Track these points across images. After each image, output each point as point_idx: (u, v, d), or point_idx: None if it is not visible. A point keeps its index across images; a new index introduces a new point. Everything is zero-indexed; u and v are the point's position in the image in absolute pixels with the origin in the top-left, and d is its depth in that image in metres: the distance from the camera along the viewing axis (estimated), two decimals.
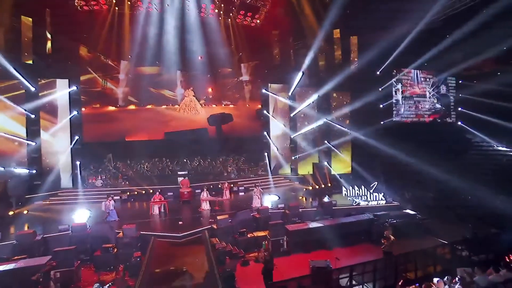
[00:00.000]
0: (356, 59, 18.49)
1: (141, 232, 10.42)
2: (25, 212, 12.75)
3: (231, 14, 18.80)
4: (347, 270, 7.73)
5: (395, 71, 19.87)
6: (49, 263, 8.08)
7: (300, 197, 15.29)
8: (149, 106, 18.45)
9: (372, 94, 17.69)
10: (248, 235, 10.88)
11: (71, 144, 15.87)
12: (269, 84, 19.42)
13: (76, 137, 16.10)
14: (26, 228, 11.12)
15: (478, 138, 19.97)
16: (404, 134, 17.46)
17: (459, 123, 21.39)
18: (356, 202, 13.16)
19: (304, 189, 16.32)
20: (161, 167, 18.64)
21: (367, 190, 13.12)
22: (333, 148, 18.48)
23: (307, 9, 16.97)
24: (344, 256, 10.30)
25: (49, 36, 15.45)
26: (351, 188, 13.28)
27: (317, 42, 16.95)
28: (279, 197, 14.04)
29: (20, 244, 9.63)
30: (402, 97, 20.46)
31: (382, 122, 18.94)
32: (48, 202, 14.33)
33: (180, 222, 11.83)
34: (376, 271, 7.89)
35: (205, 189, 14.20)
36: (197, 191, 15.27)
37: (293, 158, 19.16)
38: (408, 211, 12.43)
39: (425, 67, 20.12)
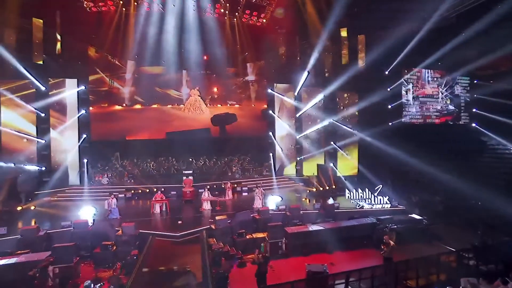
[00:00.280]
0: (363, 59, 18.02)
1: (140, 231, 10.51)
2: (32, 207, 13.13)
3: (236, 14, 18.77)
4: (344, 275, 7.52)
5: (406, 71, 19.28)
6: (46, 258, 8.24)
7: (303, 199, 15.06)
8: (154, 106, 18.67)
9: (380, 94, 17.20)
10: (247, 237, 10.77)
11: (79, 142, 16.24)
12: (275, 84, 19.26)
13: (84, 136, 16.50)
14: (33, 224, 11.44)
15: (493, 140, 19.08)
16: (413, 135, 16.94)
17: (474, 124, 20.50)
18: (360, 205, 12.81)
19: (308, 191, 16.06)
20: (167, 166, 18.81)
21: (371, 193, 12.74)
22: (339, 149, 18.11)
23: (313, 8, 16.69)
24: (345, 261, 10.10)
25: (58, 37, 15.87)
26: (354, 190, 12.92)
27: (323, 41, 16.66)
28: (282, 198, 13.87)
29: (24, 239, 9.91)
30: (412, 98, 19.83)
31: (390, 123, 18.41)
32: (55, 198, 14.73)
33: (179, 222, 11.87)
34: (375, 278, 7.62)
35: (206, 189, 14.21)
36: (200, 190, 15.30)
37: (298, 159, 18.93)
38: (414, 215, 11.99)
39: (437, 67, 19.42)
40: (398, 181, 15.32)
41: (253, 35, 19.00)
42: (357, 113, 18.43)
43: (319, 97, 17.64)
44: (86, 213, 11.89)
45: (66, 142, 16.20)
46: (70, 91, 16.10)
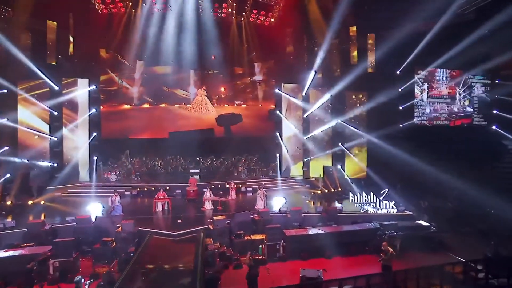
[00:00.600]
0: (373, 58, 17.39)
1: (139, 228, 10.66)
2: (42, 202, 13.66)
3: (244, 13, 18.69)
4: (337, 282, 7.24)
5: (420, 71, 18.42)
6: (44, 252, 8.51)
7: (307, 201, 14.75)
8: (162, 105, 18.96)
9: (391, 94, 16.55)
10: (245, 238, 10.66)
11: (89, 140, 16.77)
12: (283, 84, 19.02)
13: (94, 134, 16.99)
14: (42, 218, 11.90)
15: None
16: (425, 138, 16.25)
17: (494, 127, 19.31)
18: (364, 209, 12.36)
19: (313, 193, 15.72)
20: (174, 165, 19.03)
21: (376, 197, 12.24)
22: (346, 151, 17.60)
23: (321, 6, 16.32)
24: (343, 267, 9.78)
25: (71, 38, 16.46)
26: (359, 194, 12.47)
27: (332, 40, 16.24)
28: (286, 200, 13.62)
29: (30, 232, 10.34)
30: (427, 98, 18.95)
31: (401, 125, 17.68)
32: (66, 194, 15.25)
33: (179, 221, 11.94)
34: (370, 287, 7.29)
35: (208, 189, 14.22)
36: (204, 190, 15.32)
37: (305, 160, 18.59)
38: (421, 222, 11.41)
39: (454, 66, 18.38)
40: (408, 185, 14.68)
41: (261, 35, 18.85)
42: (366, 113, 17.83)
43: (326, 97, 17.22)
44: (93, 209, 12.22)
45: (77, 139, 16.74)
46: (81, 90, 16.63)
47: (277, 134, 19.00)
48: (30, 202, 13.44)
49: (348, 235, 10.72)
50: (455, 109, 19.55)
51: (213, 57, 18.59)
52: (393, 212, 12.16)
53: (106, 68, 18.04)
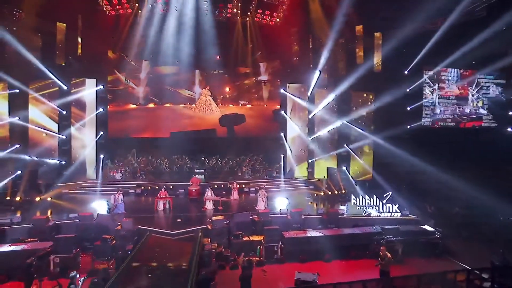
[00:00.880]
0: (380, 57, 16.96)
1: (139, 226, 10.78)
2: (49, 199, 14.04)
3: (249, 13, 18.64)
4: (332, 287, 7.08)
5: (428, 71, 17.84)
6: (44, 248, 8.72)
7: (310, 203, 14.55)
8: (167, 105, 19.15)
9: (398, 94, 16.09)
10: (244, 239, 10.61)
11: (96, 139, 17.13)
12: (288, 84, 18.85)
13: (101, 133, 17.35)
14: (49, 214, 12.23)
15: None
16: (433, 139, 15.63)
17: (509, 129, 18.48)
18: (366, 212, 12.06)
19: (315, 195, 15.50)
20: (180, 165, 19.18)
21: (379, 200, 11.92)
22: (352, 152, 17.25)
23: (326, 5, 16.05)
24: (342, 271, 9.59)
25: (79, 39, 16.87)
26: (361, 196, 12.18)
27: (337, 40, 15.94)
28: (289, 201, 13.47)
29: (34, 228, 10.63)
30: (437, 99, 18.35)
31: (408, 127, 17.18)
32: (72, 191, 15.62)
33: (178, 220, 12.01)
34: None
35: (209, 188, 14.24)
36: (207, 189, 15.37)
37: (309, 161, 18.37)
38: (426, 227, 11.02)
39: (464, 65, 17.71)
40: (414, 189, 14.24)
41: (266, 35, 18.74)
42: (372, 114, 17.42)
43: (331, 97, 16.94)
44: (99, 206, 12.45)
45: (85, 138, 17.14)
46: (89, 90, 17.01)
47: (282, 134, 18.86)
48: (37, 199, 13.83)
49: (348, 238, 10.51)
50: (467, 110, 18.85)
51: (218, 57, 18.64)
52: (396, 216, 11.82)
53: (113, 68, 18.40)
